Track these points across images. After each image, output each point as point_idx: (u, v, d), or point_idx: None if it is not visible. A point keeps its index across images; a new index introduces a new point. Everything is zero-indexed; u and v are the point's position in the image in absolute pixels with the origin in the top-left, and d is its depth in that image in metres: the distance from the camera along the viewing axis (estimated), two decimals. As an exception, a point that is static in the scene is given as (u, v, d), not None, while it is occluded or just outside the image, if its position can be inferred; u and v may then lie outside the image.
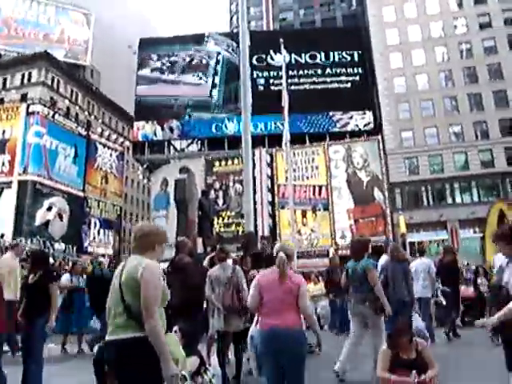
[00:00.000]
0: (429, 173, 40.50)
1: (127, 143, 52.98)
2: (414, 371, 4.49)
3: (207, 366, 5.09)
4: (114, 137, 51.28)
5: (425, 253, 10.87)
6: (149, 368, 2.86)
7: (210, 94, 44.85)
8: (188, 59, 46.39)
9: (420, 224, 38.93)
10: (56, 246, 37.77)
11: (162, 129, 44.83)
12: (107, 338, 3.03)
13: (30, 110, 40.71)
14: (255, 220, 35.09)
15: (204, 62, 46.23)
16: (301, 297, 4.27)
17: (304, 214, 39.23)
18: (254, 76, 43.89)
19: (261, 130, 41.35)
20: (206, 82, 45.42)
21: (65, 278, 8.99)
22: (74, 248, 40.18)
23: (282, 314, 4.19)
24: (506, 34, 42.11)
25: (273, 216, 39.86)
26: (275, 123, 39.83)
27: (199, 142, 46.21)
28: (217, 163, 42.26)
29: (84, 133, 44.71)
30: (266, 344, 4.30)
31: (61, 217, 39.96)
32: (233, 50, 44.79)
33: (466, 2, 44.01)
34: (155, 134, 44.94)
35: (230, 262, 7.31)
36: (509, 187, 39.16)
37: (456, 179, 39.92)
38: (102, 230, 44.92)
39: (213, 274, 6.58)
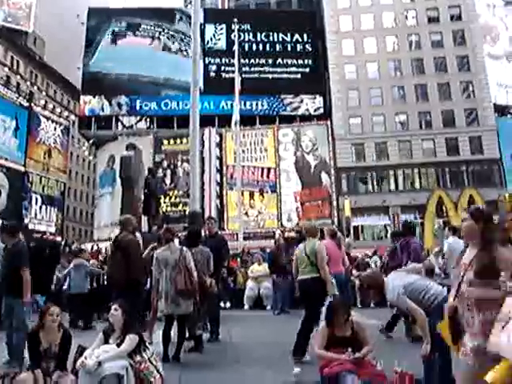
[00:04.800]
0: (374, 159, 41.61)
1: (73, 117, 50.72)
2: (350, 349, 4.62)
3: (147, 344, 5.05)
4: (58, 110, 48.95)
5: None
6: (321, 289, 6.15)
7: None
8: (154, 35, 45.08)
9: (364, 208, 40.11)
10: (-7, 222, 35.94)
11: (110, 104, 43.41)
12: (302, 277, 6.40)
13: (-37, 77, 38.09)
14: (202, 200, 35.08)
15: (172, 42, 45.00)
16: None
17: (252, 196, 39.44)
18: (206, 62, 43.06)
19: (211, 109, 40.87)
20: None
21: None
22: (14, 224, 38.35)
23: (338, 265, 8.49)
24: (451, 29, 43.57)
25: (220, 197, 39.82)
26: (226, 103, 39.48)
27: (148, 119, 45.04)
28: (165, 141, 41.53)
29: (26, 104, 42.35)
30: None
31: (-1, 192, 37.97)
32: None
33: (417, -5, 45.02)
34: (102, 109, 43.48)
35: (177, 242, 7.22)
36: (448, 176, 40.94)
37: (400, 166, 41.27)
38: (44, 207, 42.95)
39: (160, 255, 6.44)
